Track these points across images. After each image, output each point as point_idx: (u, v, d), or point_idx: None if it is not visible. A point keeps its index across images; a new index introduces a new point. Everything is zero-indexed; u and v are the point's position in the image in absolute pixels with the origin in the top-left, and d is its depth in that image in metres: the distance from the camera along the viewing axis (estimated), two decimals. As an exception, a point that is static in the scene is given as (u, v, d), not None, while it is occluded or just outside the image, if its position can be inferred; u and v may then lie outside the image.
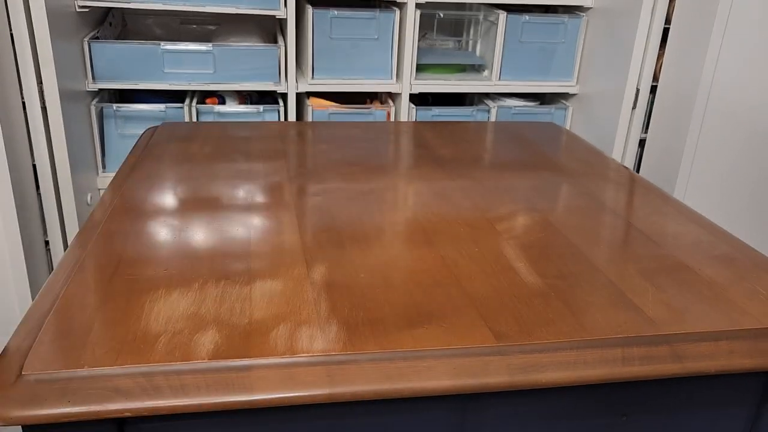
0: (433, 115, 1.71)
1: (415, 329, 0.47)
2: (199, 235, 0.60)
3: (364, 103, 1.76)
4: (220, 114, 1.60)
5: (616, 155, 1.60)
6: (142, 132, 0.92)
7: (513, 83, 1.73)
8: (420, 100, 1.75)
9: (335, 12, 1.56)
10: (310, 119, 1.60)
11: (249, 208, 0.67)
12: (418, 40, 1.61)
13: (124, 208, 0.65)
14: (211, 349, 0.44)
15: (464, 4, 1.79)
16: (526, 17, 1.68)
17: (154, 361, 0.42)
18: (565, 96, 1.82)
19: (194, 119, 1.57)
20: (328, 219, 0.65)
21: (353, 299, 0.50)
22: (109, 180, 0.72)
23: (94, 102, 1.55)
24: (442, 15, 1.75)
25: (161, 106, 1.57)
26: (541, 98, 1.85)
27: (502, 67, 1.71)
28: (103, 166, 1.62)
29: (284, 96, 1.61)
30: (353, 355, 0.44)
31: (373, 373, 0.43)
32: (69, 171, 1.41)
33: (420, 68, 1.67)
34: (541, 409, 0.50)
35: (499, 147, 0.94)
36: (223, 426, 0.45)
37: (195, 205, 0.67)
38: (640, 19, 1.49)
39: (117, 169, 0.77)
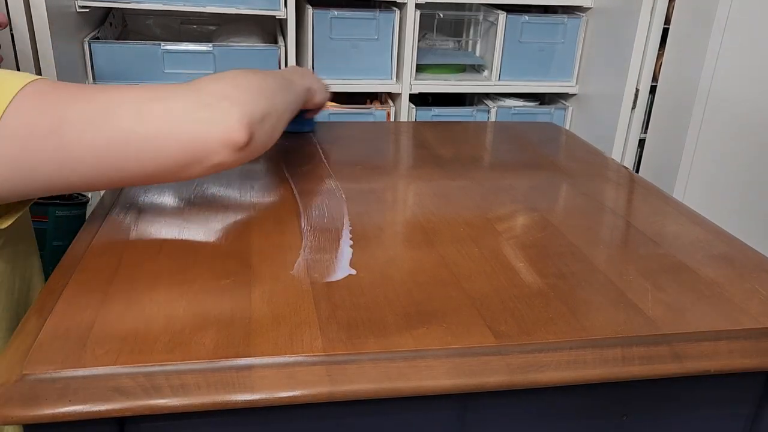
0: (433, 115, 1.71)
1: (415, 329, 0.47)
2: (199, 234, 0.60)
3: (364, 103, 1.76)
4: (220, 114, 1.59)
5: (615, 155, 1.61)
6: (142, 132, 0.92)
7: (513, 83, 1.73)
8: (420, 100, 1.75)
9: (335, 12, 1.56)
10: (310, 119, 1.60)
11: (249, 207, 0.67)
12: (418, 41, 1.62)
13: (124, 208, 0.65)
14: (211, 348, 0.44)
15: (464, 4, 1.79)
16: (526, 17, 1.68)
17: (155, 360, 0.42)
18: (564, 96, 1.82)
19: (194, 119, 1.57)
20: (328, 219, 0.65)
21: (353, 299, 0.50)
22: (109, 180, 0.71)
23: (94, 102, 1.55)
24: (441, 15, 1.75)
25: (161, 107, 1.57)
26: (541, 98, 1.85)
27: (501, 67, 1.71)
28: (103, 167, 1.62)
29: (284, 96, 1.60)
30: (353, 354, 0.44)
31: (373, 372, 0.43)
32: (69, 171, 1.40)
33: (420, 68, 1.68)
34: (540, 408, 0.50)
35: (498, 147, 0.94)
36: (223, 425, 0.45)
37: (195, 204, 0.67)
38: (639, 19, 1.49)
39: (117, 169, 0.77)
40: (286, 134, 0.79)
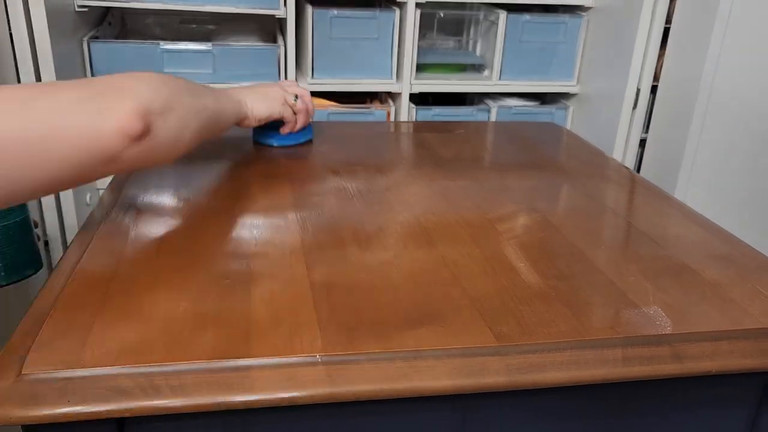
0: (433, 115, 1.71)
1: (415, 329, 0.47)
2: (199, 235, 0.60)
3: (364, 102, 1.76)
4: (220, 113, 1.59)
5: (616, 155, 1.61)
6: (141, 131, 0.92)
7: (513, 83, 1.73)
8: (420, 99, 1.74)
9: (335, 11, 1.56)
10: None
11: (248, 208, 0.67)
12: (419, 40, 1.61)
13: (123, 208, 0.65)
14: (210, 349, 0.44)
15: (464, 3, 1.79)
16: (527, 17, 1.68)
17: (154, 361, 0.42)
18: (565, 96, 1.82)
19: (194, 119, 1.57)
20: (329, 219, 0.65)
21: (353, 299, 0.50)
22: (108, 180, 0.72)
23: (93, 101, 1.55)
24: (442, 14, 1.75)
25: (161, 106, 1.57)
26: (542, 98, 1.85)
27: (502, 66, 1.71)
28: (103, 166, 1.61)
29: (284, 96, 1.60)
30: (353, 355, 0.44)
31: (373, 373, 0.43)
32: (69, 170, 1.40)
33: (420, 68, 1.67)
34: (541, 409, 0.49)
35: (499, 147, 0.94)
36: (222, 426, 0.45)
37: (194, 205, 0.67)
38: (640, 18, 1.49)
39: (117, 169, 0.77)
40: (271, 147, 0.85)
